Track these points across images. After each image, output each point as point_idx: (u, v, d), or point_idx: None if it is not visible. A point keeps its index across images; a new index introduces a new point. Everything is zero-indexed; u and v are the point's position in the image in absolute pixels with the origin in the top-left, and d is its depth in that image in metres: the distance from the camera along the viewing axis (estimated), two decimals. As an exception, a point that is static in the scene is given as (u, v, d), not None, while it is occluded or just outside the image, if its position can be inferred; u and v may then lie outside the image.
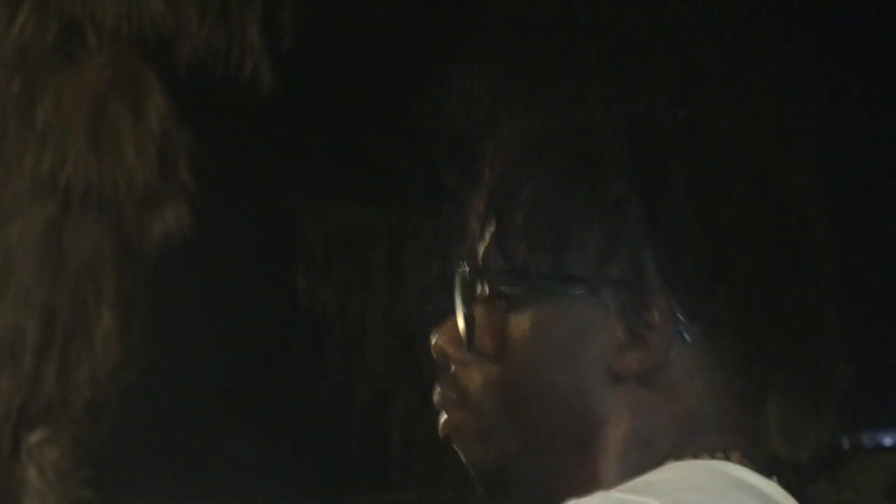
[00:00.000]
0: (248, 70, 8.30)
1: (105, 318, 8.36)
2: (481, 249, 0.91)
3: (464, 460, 0.95)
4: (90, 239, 8.38)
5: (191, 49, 8.27)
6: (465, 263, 0.93)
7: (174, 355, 8.34)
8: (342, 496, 9.45)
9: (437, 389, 0.95)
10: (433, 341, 0.95)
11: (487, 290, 0.91)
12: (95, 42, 8.26)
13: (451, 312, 0.93)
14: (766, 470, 0.91)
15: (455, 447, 0.95)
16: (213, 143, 8.25)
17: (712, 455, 0.88)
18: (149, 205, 8.38)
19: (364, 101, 8.86)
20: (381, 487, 9.64)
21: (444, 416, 0.95)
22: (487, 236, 0.91)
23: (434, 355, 0.96)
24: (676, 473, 0.86)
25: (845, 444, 9.53)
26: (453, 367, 0.94)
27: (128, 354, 8.38)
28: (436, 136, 0.96)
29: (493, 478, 0.94)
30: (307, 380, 9.52)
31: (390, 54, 8.44)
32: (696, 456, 0.88)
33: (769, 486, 0.88)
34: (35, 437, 8.32)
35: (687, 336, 0.87)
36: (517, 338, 0.90)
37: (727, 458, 0.88)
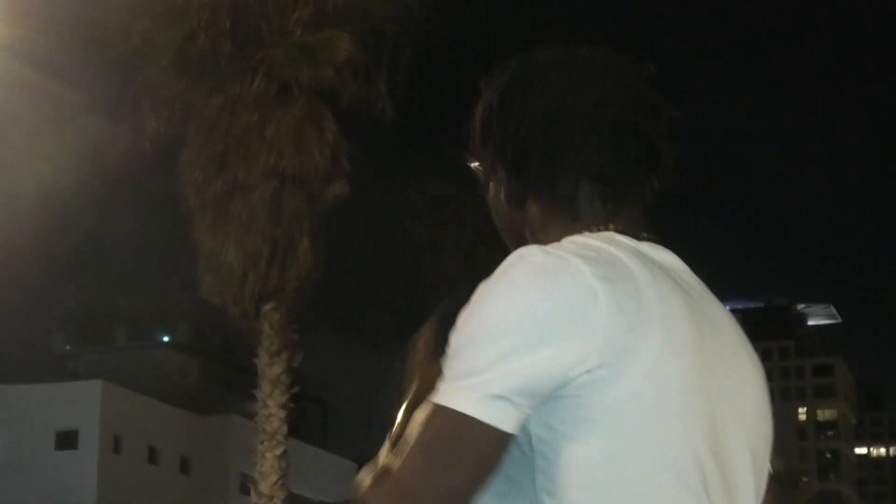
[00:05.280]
0: (378, 107, 13.10)
1: (303, 243, 12.76)
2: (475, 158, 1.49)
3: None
4: (296, 200, 12.79)
5: (348, 96, 13.00)
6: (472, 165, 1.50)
7: (341, 264, 13.74)
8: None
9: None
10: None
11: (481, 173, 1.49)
12: (297, 93, 13.00)
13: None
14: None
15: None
16: (360, 148, 13.32)
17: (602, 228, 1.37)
18: (326, 181, 12.86)
19: (442, 123, 14.75)
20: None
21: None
22: (476, 150, 1.47)
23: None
24: (592, 241, 1.32)
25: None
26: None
27: (315, 263, 12.88)
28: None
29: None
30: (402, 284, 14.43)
31: (457, 102, 13.92)
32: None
33: (653, 249, 1.37)
34: (267, 306, 12.88)
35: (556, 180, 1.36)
36: (490, 192, 1.47)
37: (609, 229, 1.37)
